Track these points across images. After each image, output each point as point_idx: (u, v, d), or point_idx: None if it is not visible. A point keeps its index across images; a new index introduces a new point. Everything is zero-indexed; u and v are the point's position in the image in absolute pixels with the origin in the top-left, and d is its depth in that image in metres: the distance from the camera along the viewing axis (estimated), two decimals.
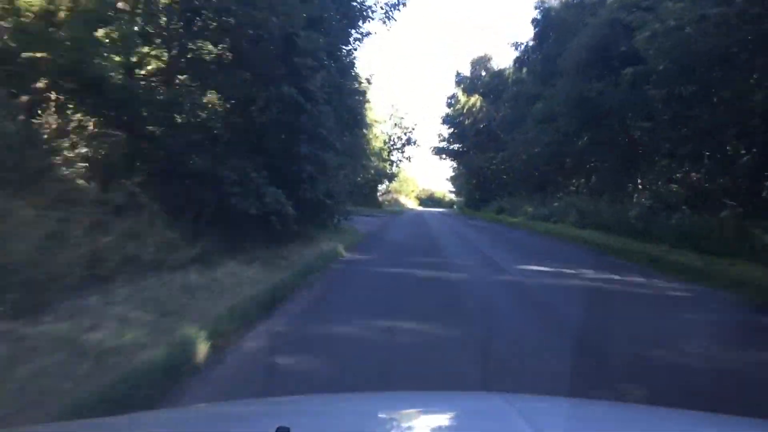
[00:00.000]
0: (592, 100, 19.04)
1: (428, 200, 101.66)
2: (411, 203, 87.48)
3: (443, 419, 1.81)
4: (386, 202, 69.15)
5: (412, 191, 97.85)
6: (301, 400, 2.20)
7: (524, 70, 33.27)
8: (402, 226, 23.72)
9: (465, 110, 44.98)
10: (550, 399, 2.26)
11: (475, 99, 44.69)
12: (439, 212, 53.88)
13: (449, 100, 50.31)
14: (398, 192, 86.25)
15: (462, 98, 45.50)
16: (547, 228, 19.66)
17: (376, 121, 42.68)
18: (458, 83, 47.70)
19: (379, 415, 1.79)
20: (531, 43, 28.63)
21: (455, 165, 65.24)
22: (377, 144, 45.57)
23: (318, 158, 11.54)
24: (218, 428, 1.56)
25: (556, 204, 23.07)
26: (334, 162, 13.31)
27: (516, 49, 29.80)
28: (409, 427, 1.70)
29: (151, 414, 2.21)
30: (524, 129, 30.08)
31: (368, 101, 22.62)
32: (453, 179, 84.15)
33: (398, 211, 48.83)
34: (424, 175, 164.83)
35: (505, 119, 39.27)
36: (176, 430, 1.52)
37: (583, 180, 26.37)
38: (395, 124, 52.09)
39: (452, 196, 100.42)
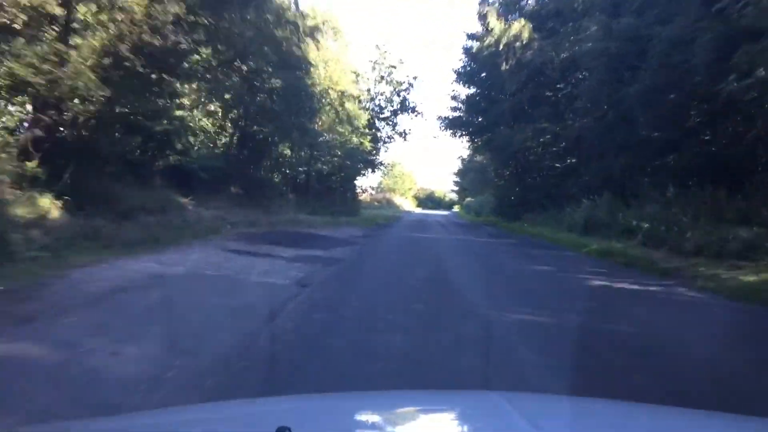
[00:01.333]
0: None
1: (428, 201, 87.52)
2: (408, 204, 69.92)
3: (444, 418, 1.81)
4: (375, 203, 51.41)
5: (410, 189, 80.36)
6: (301, 400, 2.23)
7: None
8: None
9: (503, 45, 25.51)
10: (550, 397, 2.30)
11: (521, 25, 25.29)
12: (457, 222, 34.26)
13: (469, 41, 30.95)
14: (392, 190, 68.44)
15: (497, 26, 26.03)
16: None
17: (325, 58, 22.88)
18: (489, 3, 28.14)
19: (380, 415, 1.79)
20: None
21: (470, 153, 46.59)
22: (333, 92, 25.74)
23: None
24: (218, 428, 1.56)
25: None
26: None
27: None
28: (410, 427, 1.70)
29: (150, 414, 2.17)
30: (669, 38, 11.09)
31: None
32: (461, 173, 65.44)
33: (387, 218, 29.10)
34: (420, 170, 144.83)
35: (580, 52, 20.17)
36: (176, 430, 1.51)
37: None
38: (381, 78, 32.14)
39: (453, 196, 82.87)
